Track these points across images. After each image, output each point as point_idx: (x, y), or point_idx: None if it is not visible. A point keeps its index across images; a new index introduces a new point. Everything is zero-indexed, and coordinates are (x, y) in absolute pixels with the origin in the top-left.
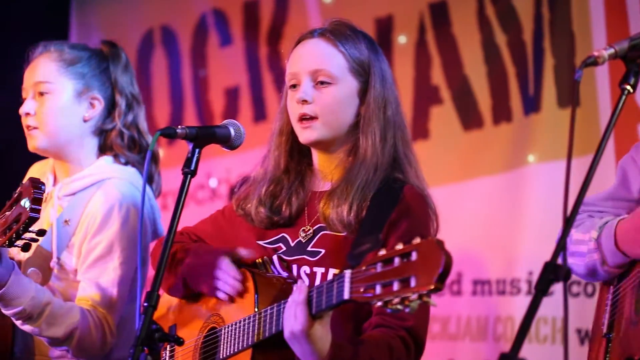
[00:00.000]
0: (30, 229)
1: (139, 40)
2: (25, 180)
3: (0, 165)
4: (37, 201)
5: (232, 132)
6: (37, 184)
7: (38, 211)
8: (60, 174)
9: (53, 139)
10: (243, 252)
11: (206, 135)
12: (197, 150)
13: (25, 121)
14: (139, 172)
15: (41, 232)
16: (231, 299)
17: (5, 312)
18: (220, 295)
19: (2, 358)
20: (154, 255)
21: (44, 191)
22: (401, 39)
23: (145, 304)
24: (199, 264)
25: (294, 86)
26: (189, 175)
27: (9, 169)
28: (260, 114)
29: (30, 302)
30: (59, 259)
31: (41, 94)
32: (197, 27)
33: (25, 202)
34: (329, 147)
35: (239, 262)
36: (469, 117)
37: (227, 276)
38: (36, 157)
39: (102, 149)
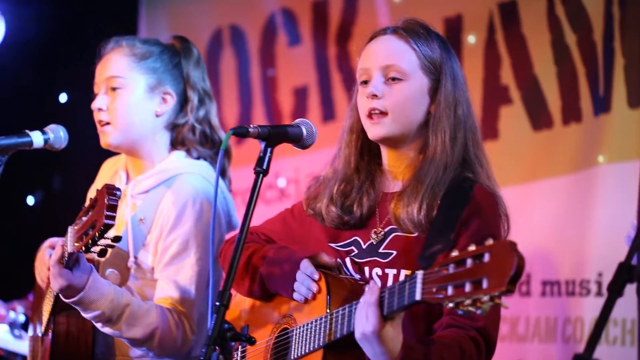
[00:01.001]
0: (105, 235)
1: (208, 40)
2: (100, 186)
3: (76, 161)
4: (112, 208)
5: (304, 131)
6: (112, 191)
7: (113, 218)
8: (132, 170)
9: (125, 135)
10: (326, 257)
11: (278, 135)
12: (269, 150)
13: (97, 117)
14: (211, 166)
15: (116, 239)
16: (305, 301)
17: (85, 315)
18: (296, 296)
19: (84, 358)
20: (223, 254)
21: (119, 197)
22: (470, 39)
23: (217, 303)
24: (280, 266)
25: (365, 82)
26: (261, 175)
27: (84, 165)
28: (328, 114)
29: (109, 305)
30: (136, 258)
31: (113, 89)
32: (266, 26)
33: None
34: (398, 144)
35: (317, 266)
36: (539, 118)
37: (304, 277)
38: (109, 153)
39: (174, 144)
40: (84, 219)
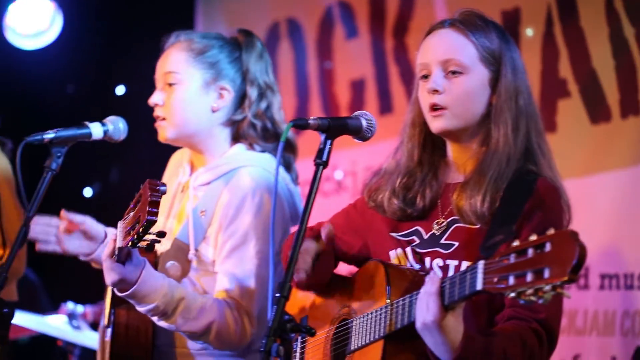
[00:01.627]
0: (150, 230)
1: (265, 33)
2: (145, 183)
3: (133, 154)
4: (154, 204)
5: (364, 123)
6: (154, 187)
7: (155, 214)
8: (196, 163)
9: (181, 130)
10: (322, 232)
11: (338, 127)
12: (328, 142)
13: (155, 112)
14: (274, 158)
15: (161, 234)
16: (307, 276)
17: (139, 309)
18: (299, 274)
19: (143, 350)
20: (285, 247)
21: (162, 193)
22: (528, 32)
23: (277, 295)
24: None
25: (425, 76)
26: (321, 167)
27: (141, 158)
28: (386, 107)
29: (163, 298)
30: (196, 250)
31: (170, 84)
32: (323, 19)
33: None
34: (461, 137)
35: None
36: (597, 111)
37: (304, 254)
38: (165, 145)
39: (235, 139)
40: (131, 214)
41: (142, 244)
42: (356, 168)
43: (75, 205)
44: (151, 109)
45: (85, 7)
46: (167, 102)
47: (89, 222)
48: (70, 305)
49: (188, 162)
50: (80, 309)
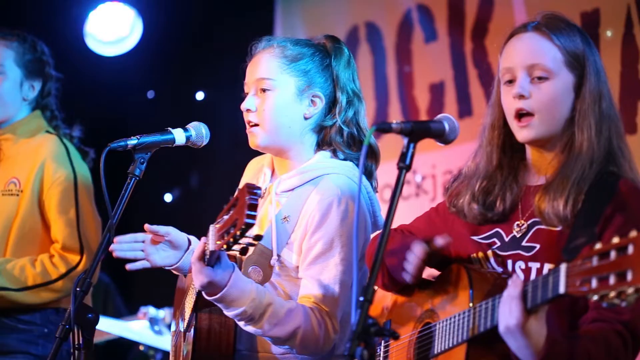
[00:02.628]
0: (246, 234)
1: (344, 37)
2: (241, 185)
3: (213, 160)
4: (252, 207)
5: (447, 126)
6: (252, 190)
7: (254, 217)
8: (278, 169)
9: (274, 137)
10: (439, 241)
11: (421, 130)
12: (411, 145)
13: (247, 117)
14: (357, 167)
15: (258, 237)
16: (413, 279)
17: (227, 313)
18: (404, 276)
19: (225, 354)
20: (368, 251)
21: (259, 196)
22: (608, 33)
23: (361, 298)
24: (397, 254)
25: (509, 81)
26: (404, 170)
27: (221, 163)
28: (465, 110)
29: (251, 303)
30: (279, 256)
31: (263, 90)
32: (402, 23)
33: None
34: (546, 144)
35: (437, 253)
36: None
37: (413, 256)
38: (245, 151)
39: (320, 145)
40: (225, 217)
41: (237, 247)
42: (435, 171)
43: (156, 211)
44: (230, 115)
45: (165, 14)
46: (260, 109)
47: (174, 232)
48: (151, 311)
49: (269, 167)
50: (161, 314)
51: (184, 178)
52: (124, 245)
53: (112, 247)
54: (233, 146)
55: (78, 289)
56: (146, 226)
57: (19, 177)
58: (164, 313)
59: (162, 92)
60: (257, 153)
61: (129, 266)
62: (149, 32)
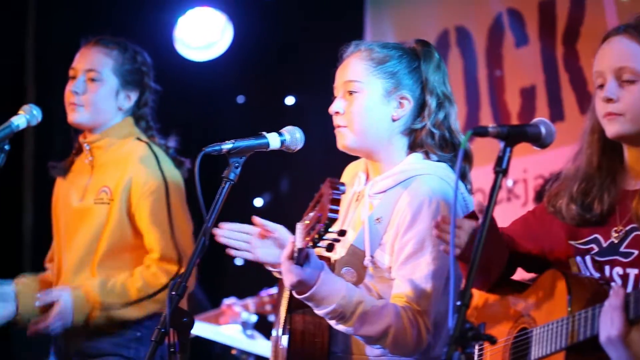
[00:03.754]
0: (330, 229)
1: (434, 41)
2: (325, 182)
3: (303, 164)
4: (335, 202)
5: (543, 130)
6: (335, 185)
7: (337, 212)
8: (372, 172)
9: (361, 138)
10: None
11: (517, 134)
12: (508, 149)
13: (335, 120)
14: (450, 168)
15: (342, 233)
16: (461, 251)
17: (318, 312)
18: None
19: (320, 356)
20: None
21: (342, 192)
22: None
23: (458, 303)
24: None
25: (601, 86)
26: (501, 175)
27: (311, 168)
28: (557, 114)
29: (341, 301)
30: (372, 257)
31: (350, 92)
32: (492, 27)
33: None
34: (637, 142)
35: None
36: None
37: (459, 231)
38: (335, 155)
39: (412, 147)
40: (311, 215)
41: (323, 243)
42: (527, 176)
43: (246, 215)
44: (319, 119)
45: (255, 18)
46: (347, 111)
47: (281, 231)
48: (244, 315)
49: (364, 172)
50: (253, 318)
51: (274, 183)
52: (229, 233)
53: (217, 231)
54: (323, 151)
55: (173, 293)
56: (255, 218)
57: (109, 185)
58: (255, 317)
59: (252, 97)
60: (346, 157)
61: (232, 252)
62: (239, 37)
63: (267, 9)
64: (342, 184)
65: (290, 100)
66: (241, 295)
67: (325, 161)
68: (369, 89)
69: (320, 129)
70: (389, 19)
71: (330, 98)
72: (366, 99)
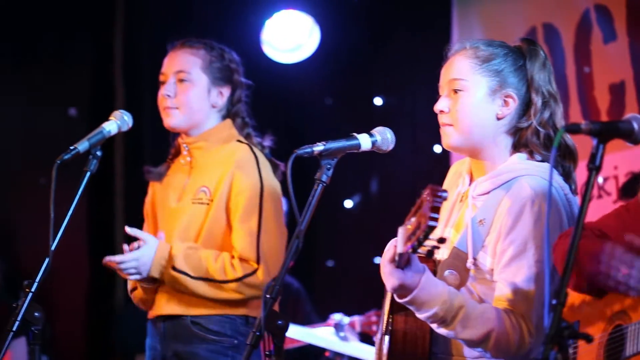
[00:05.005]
0: (430, 236)
1: None
2: (426, 189)
3: (392, 165)
4: (435, 209)
5: (636, 126)
6: (436, 192)
7: (436, 220)
8: (476, 173)
9: (466, 137)
10: (635, 239)
11: (610, 130)
12: (601, 146)
13: (440, 118)
14: (555, 169)
15: (441, 240)
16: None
17: (419, 315)
18: (631, 293)
19: (421, 357)
20: (557, 250)
21: (443, 199)
22: None
23: (554, 302)
24: (598, 256)
25: None
26: (594, 171)
27: (400, 169)
28: None
29: (443, 305)
30: (475, 259)
31: (455, 91)
32: (580, 24)
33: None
34: None
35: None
36: None
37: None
38: (424, 157)
39: (516, 147)
40: (412, 220)
41: (422, 249)
42: (618, 172)
43: (336, 217)
44: (408, 120)
45: (341, 20)
46: (452, 109)
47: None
48: (337, 317)
49: (467, 172)
50: (346, 320)
51: (364, 184)
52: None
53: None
54: (412, 152)
55: (268, 296)
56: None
57: (209, 186)
58: (348, 319)
59: (340, 99)
60: (434, 158)
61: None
62: (326, 38)
63: (353, 10)
64: (444, 191)
65: (378, 101)
66: (349, 312)
67: (414, 162)
68: (474, 87)
69: (409, 129)
70: (476, 17)
71: (419, 99)
72: (471, 97)
